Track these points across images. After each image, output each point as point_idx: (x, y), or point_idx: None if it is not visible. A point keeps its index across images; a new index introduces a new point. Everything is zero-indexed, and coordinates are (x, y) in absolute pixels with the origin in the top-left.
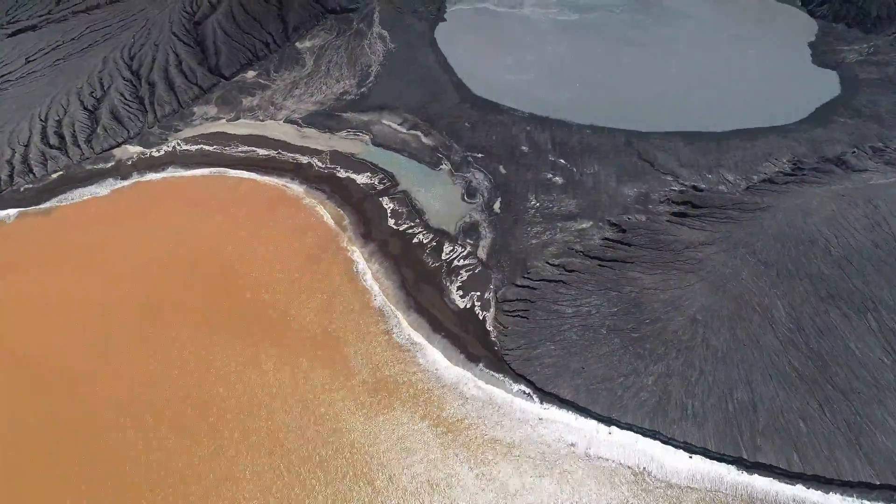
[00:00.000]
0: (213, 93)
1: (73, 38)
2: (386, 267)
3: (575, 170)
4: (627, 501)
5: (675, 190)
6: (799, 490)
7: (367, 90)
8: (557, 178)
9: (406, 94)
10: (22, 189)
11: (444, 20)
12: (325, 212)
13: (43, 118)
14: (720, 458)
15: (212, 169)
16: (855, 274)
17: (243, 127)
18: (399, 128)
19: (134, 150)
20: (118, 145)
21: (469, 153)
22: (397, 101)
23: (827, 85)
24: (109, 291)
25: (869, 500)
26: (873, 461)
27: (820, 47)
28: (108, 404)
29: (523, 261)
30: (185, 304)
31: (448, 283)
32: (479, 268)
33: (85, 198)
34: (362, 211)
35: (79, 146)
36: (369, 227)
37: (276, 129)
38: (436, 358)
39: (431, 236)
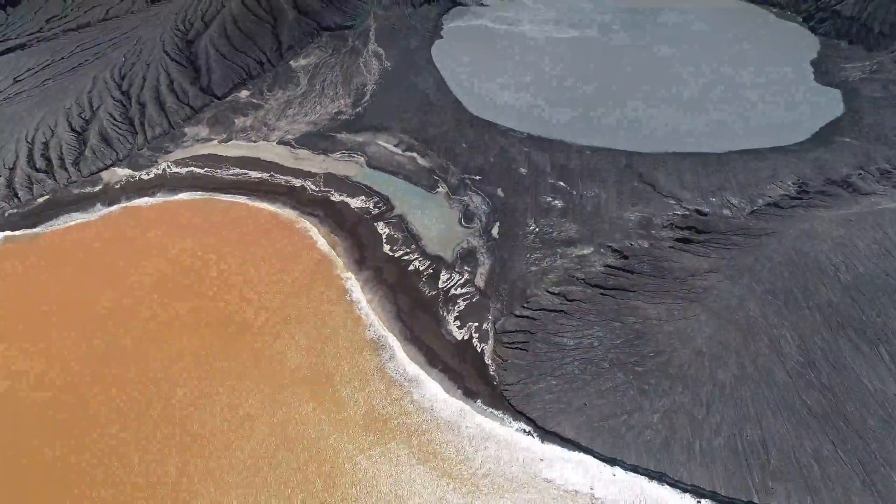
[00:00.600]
0: (204, 113)
1: (62, 58)
2: (380, 296)
3: (575, 193)
4: None
5: (678, 214)
6: None
7: (363, 110)
8: (557, 202)
9: (402, 113)
10: (6, 214)
11: (441, 37)
12: (318, 237)
13: (30, 140)
14: (730, 502)
15: (202, 193)
16: (865, 303)
17: (235, 148)
18: (395, 149)
19: (122, 172)
20: (106, 168)
21: (466, 175)
22: (393, 122)
23: (830, 104)
24: (93, 322)
25: None
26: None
27: (822, 65)
28: (86, 443)
29: (523, 289)
30: (170, 336)
31: (445, 313)
32: (477, 296)
33: (71, 223)
34: (356, 236)
35: (66, 169)
36: (363, 254)
37: (269, 151)
38: (432, 393)
39: (428, 263)
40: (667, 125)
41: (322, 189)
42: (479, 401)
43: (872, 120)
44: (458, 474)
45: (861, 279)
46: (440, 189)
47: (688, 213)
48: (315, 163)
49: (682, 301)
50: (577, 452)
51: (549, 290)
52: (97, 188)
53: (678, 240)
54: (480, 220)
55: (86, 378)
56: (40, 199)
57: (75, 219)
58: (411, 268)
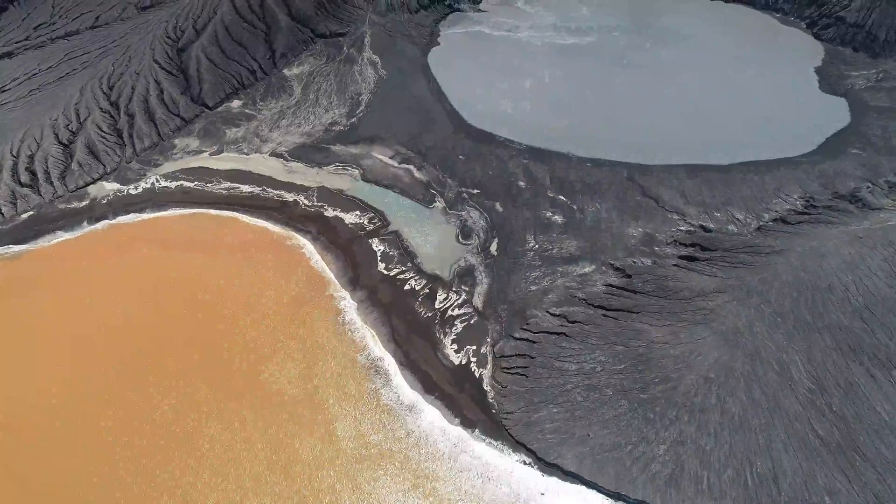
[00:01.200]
0: (195, 124)
1: (50, 67)
2: (375, 317)
3: (575, 207)
4: None
5: (681, 230)
6: None
7: (357, 120)
8: (557, 217)
9: (398, 124)
10: None
11: (438, 44)
12: (311, 255)
13: (14, 153)
14: None
15: (192, 208)
16: (878, 326)
17: (227, 161)
18: (390, 161)
19: (110, 187)
20: (93, 182)
21: (464, 189)
22: (388, 132)
23: (836, 113)
24: (78, 346)
25: None
26: None
27: (827, 72)
28: (69, 468)
29: (522, 310)
30: (157, 360)
31: (442, 336)
32: (475, 318)
33: (56, 241)
34: (350, 254)
35: (51, 183)
36: (358, 272)
37: (261, 164)
38: (428, 422)
39: (424, 282)
40: (669, 135)
41: (315, 204)
42: (477, 430)
43: (880, 130)
44: None
45: (872, 300)
46: (437, 203)
47: (692, 228)
48: (308, 176)
49: (687, 323)
50: (579, 486)
51: (550, 311)
52: (83, 203)
53: (682, 257)
54: (478, 237)
55: (67, 402)
56: (24, 216)
57: (60, 236)
58: (407, 287)
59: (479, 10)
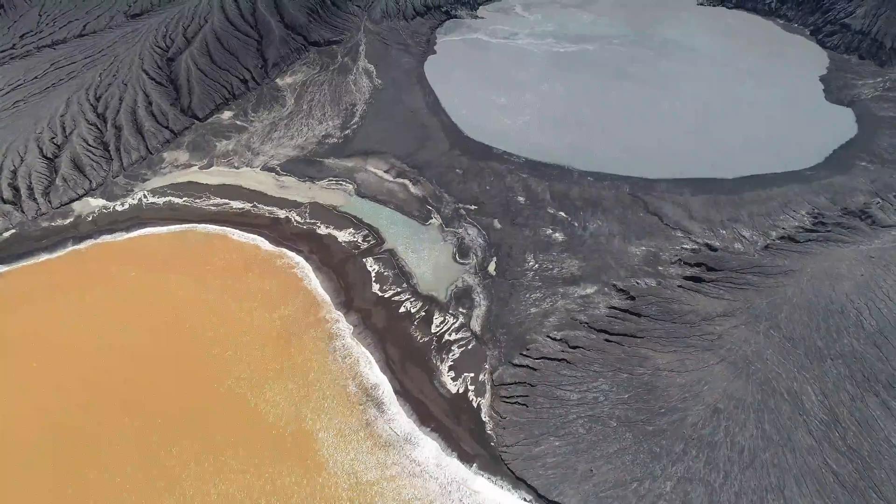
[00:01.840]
0: (184, 136)
1: (35, 77)
2: (369, 343)
3: (576, 224)
4: None
5: (686, 249)
6: None
7: (352, 132)
8: (557, 235)
9: (393, 136)
10: None
11: (434, 52)
12: (303, 275)
13: None
14: None
15: (180, 225)
16: (892, 352)
17: (217, 175)
18: (385, 175)
19: (96, 203)
20: (79, 198)
21: (461, 205)
22: (383, 145)
23: (843, 124)
24: (55, 375)
25: None
26: None
27: (832, 81)
28: (54, 495)
29: (521, 334)
30: (140, 390)
31: (438, 363)
32: (473, 342)
33: (38, 261)
34: (344, 274)
35: (35, 200)
36: (351, 294)
37: (252, 178)
38: (424, 457)
39: (420, 304)
40: (671, 148)
41: (308, 221)
42: (475, 465)
43: (888, 142)
44: None
45: (886, 324)
46: (433, 220)
47: (697, 247)
48: (301, 191)
49: (694, 349)
50: None
51: (551, 335)
52: (68, 221)
53: (688, 278)
54: (476, 256)
55: (42, 433)
56: (6, 234)
57: (42, 256)
58: (402, 310)
59: (477, 17)
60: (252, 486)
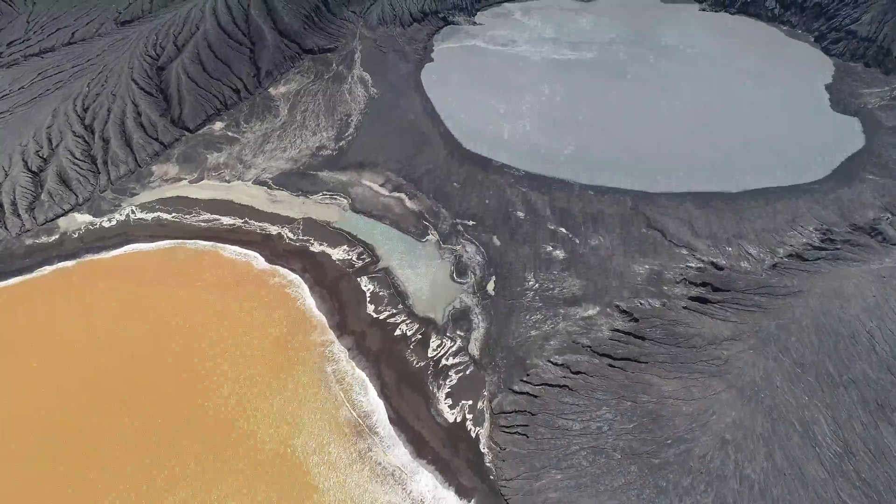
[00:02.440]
0: (174, 149)
1: (21, 87)
2: (363, 368)
3: (578, 241)
4: None
5: (691, 267)
6: None
7: (346, 144)
8: (558, 252)
9: (389, 148)
10: None
11: (432, 60)
12: (295, 295)
13: None
14: None
15: (169, 242)
16: None
17: (207, 189)
18: (381, 189)
19: (82, 219)
20: (64, 213)
21: (458, 220)
22: (379, 157)
23: (849, 134)
24: (43, 395)
25: None
26: None
27: (838, 90)
28: None
29: (522, 358)
30: (125, 417)
31: (435, 389)
32: (471, 367)
33: (21, 279)
34: (337, 294)
35: (19, 216)
36: (345, 315)
37: (244, 192)
38: (419, 491)
39: (416, 326)
40: (674, 159)
41: (301, 238)
42: (473, 500)
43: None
44: None
45: None
46: (430, 236)
47: (702, 266)
48: (294, 206)
49: (700, 375)
50: None
51: (552, 359)
52: (53, 238)
53: (693, 298)
54: (474, 274)
55: (28, 458)
56: None
57: (25, 275)
58: (398, 332)
59: (475, 23)
60: None
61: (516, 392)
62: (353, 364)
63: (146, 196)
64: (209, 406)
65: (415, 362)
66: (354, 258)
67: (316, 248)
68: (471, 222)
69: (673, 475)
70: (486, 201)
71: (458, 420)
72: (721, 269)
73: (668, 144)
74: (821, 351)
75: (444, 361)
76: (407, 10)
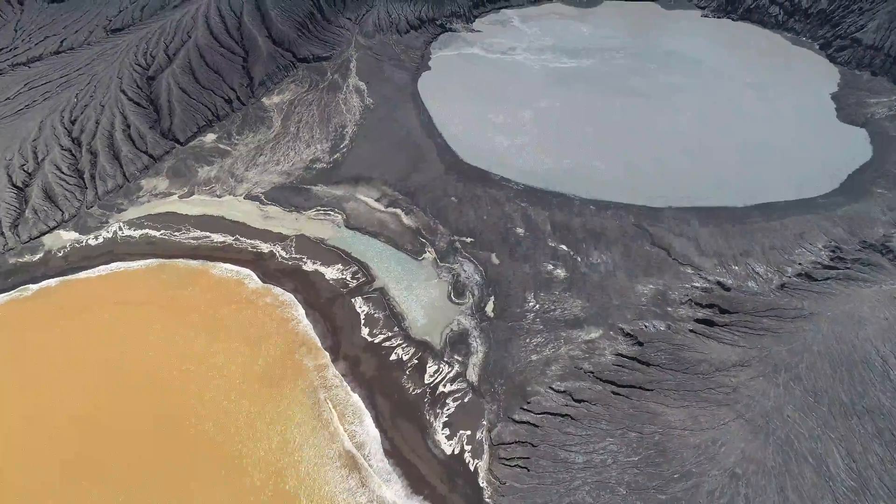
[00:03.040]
0: (164, 162)
1: (7, 98)
2: (357, 395)
3: (579, 259)
4: None
5: (697, 287)
6: None
7: (341, 156)
8: (559, 271)
9: (385, 160)
10: None
11: (429, 68)
12: (287, 317)
13: None
14: None
15: (157, 260)
16: None
17: (197, 205)
18: (376, 205)
19: (68, 237)
20: (49, 231)
21: (456, 237)
22: (375, 171)
23: (857, 146)
24: (21, 425)
25: None
26: None
27: (844, 99)
28: None
29: (522, 385)
30: (111, 442)
31: (432, 418)
32: (470, 394)
33: (3, 300)
34: (331, 316)
35: (2, 234)
36: (339, 339)
37: (235, 208)
38: None
39: (413, 350)
40: (677, 173)
41: (293, 256)
42: None
43: None
44: None
45: None
46: (427, 254)
47: (708, 285)
48: (286, 222)
49: (708, 404)
50: None
51: (553, 386)
52: (37, 257)
53: (699, 320)
54: (473, 294)
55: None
56: None
57: (6, 296)
58: (393, 357)
59: (473, 31)
60: None
61: (516, 421)
62: (348, 391)
63: (134, 212)
64: (198, 439)
65: (411, 389)
66: (349, 277)
67: (309, 266)
68: (469, 239)
69: None
70: (485, 217)
71: (456, 452)
72: (728, 289)
73: (671, 157)
74: (834, 378)
75: (441, 388)
76: (403, 17)
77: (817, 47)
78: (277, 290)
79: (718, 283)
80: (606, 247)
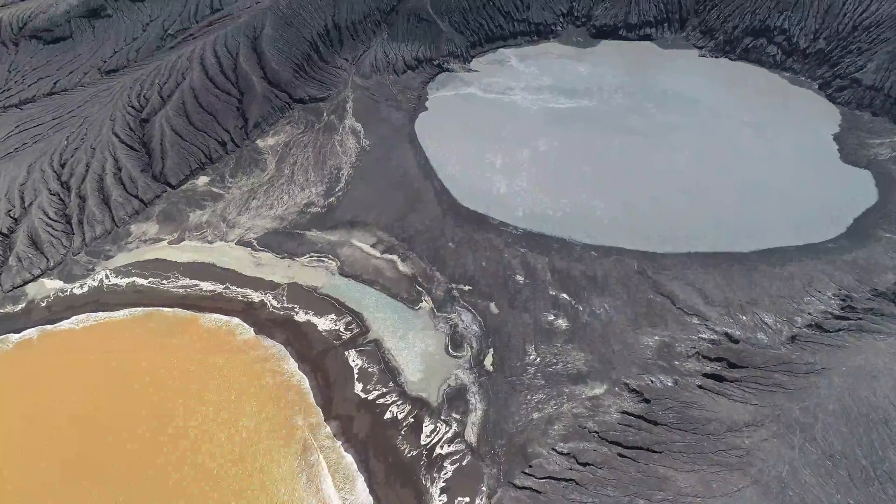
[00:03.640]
0: (155, 206)
1: None
2: (350, 457)
3: (581, 309)
4: None
5: (704, 339)
6: None
7: (336, 200)
8: (560, 321)
9: (381, 204)
10: None
11: (426, 109)
12: (276, 371)
13: None
14: None
15: (143, 309)
16: None
17: (188, 251)
18: (372, 251)
19: (52, 285)
20: (33, 279)
21: (454, 285)
22: (370, 215)
23: (861, 189)
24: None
25: None
26: None
27: (846, 140)
28: None
29: (523, 446)
30: None
31: (429, 483)
32: (468, 457)
33: None
34: (323, 371)
35: None
36: (331, 395)
37: (227, 254)
38: None
39: (408, 408)
40: (678, 216)
41: (285, 305)
42: None
43: None
44: None
45: None
46: (423, 304)
47: (716, 337)
48: (279, 269)
49: (720, 468)
50: None
51: (556, 447)
52: (19, 307)
53: (707, 375)
54: (471, 346)
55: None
56: None
57: None
58: (388, 415)
59: (470, 70)
60: None
61: (518, 487)
62: (340, 452)
63: (122, 259)
64: (173, 498)
65: (406, 451)
66: (342, 328)
67: (301, 317)
68: (467, 287)
69: None
70: (483, 263)
71: None
72: (736, 341)
73: (671, 201)
74: (851, 439)
75: (438, 450)
76: (401, 57)
77: (816, 87)
78: (268, 341)
79: (726, 334)
80: (609, 295)
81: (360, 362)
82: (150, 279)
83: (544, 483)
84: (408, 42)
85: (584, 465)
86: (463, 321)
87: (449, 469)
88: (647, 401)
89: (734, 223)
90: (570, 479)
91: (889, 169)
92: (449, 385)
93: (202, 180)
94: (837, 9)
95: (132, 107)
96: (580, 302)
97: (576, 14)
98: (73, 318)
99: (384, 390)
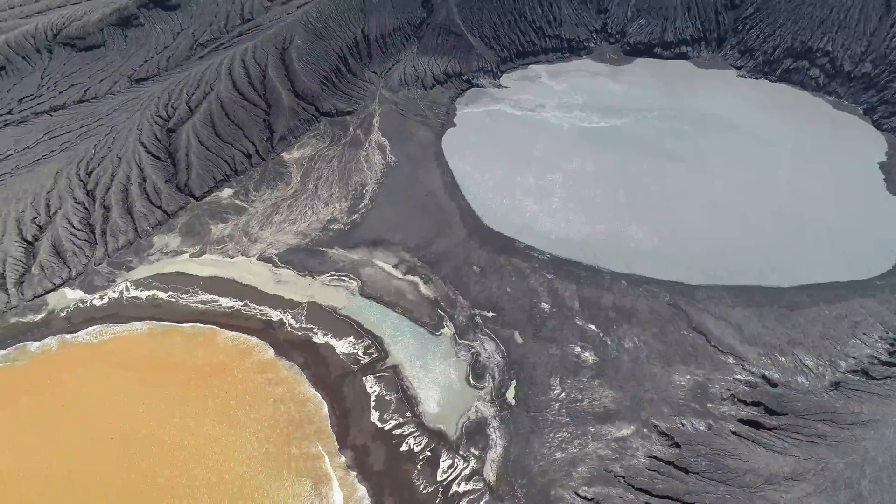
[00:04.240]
0: (178, 218)
1: (27, 147)
2: (365, 489)
3: (609, 342)
4: None
5: (739, 381)
6: None
7: (360, 217)
8: (587, 355)
9: (404, 224)
10: None
11: (454, 125)
12: (291, 395)
13: None
14: None
15: (162, 324)
16: None
17: (209, 265)
18: (394, 271)
19: (73, 296)
20: (55, 288)
21: (477, 311)
22: (394, 235)
23: None
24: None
25: None
26: None
27: (894, 169)
28: None
29: (545, 488)
30: None
31: None
32: (486, 496)
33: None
34: (340, 397)
35: (6, 291)
36: (347, 423)
37: (247, 270)
38: None
39: (426, 441)
40: (714, 246)
41: (304, 326)
42: None
43: None
44: None
45: None
46: (445, 329)
47: (753, 379)
48: (299, 288)
49: None
50: None
51: (580, 492)
52: (39, 317)
53: (743, 421)
54: (493, 378)
55: None
56: None
57: (2, 355)
58: (404, 448)
59: (500, 86)
60: None
61: None
62: (354, 484)
63: (143, 271)
64: None
65: (422, 487)
66: (360, 352)
67: (319, 338)
68: (490, 314)
69: None
70: (508, 289)
71: None
72: (775, 384)
73: (708, 230)
74: None
75: (455, 487)
76: (430, 71)
77: (861, 112)
78: (284, 362)
79: (763, 376)
80: (640, 328)
81: (377, 389)
82: (170, 293)
83: None
84: (437, 56)
85: None
86: (486, 350)
87: None
88: (677, 445)
89: (772, 256)
90: None
91: None
92: (468, 418)
93: (226, 193)
94: (885, 31)
95: (159, 116)
96: (609, 335)
97: (609, 31)
98: (91, 328)
99: (401, 420)
